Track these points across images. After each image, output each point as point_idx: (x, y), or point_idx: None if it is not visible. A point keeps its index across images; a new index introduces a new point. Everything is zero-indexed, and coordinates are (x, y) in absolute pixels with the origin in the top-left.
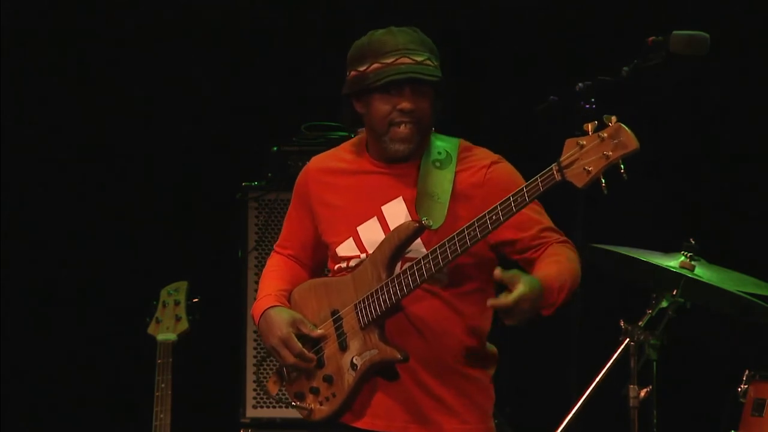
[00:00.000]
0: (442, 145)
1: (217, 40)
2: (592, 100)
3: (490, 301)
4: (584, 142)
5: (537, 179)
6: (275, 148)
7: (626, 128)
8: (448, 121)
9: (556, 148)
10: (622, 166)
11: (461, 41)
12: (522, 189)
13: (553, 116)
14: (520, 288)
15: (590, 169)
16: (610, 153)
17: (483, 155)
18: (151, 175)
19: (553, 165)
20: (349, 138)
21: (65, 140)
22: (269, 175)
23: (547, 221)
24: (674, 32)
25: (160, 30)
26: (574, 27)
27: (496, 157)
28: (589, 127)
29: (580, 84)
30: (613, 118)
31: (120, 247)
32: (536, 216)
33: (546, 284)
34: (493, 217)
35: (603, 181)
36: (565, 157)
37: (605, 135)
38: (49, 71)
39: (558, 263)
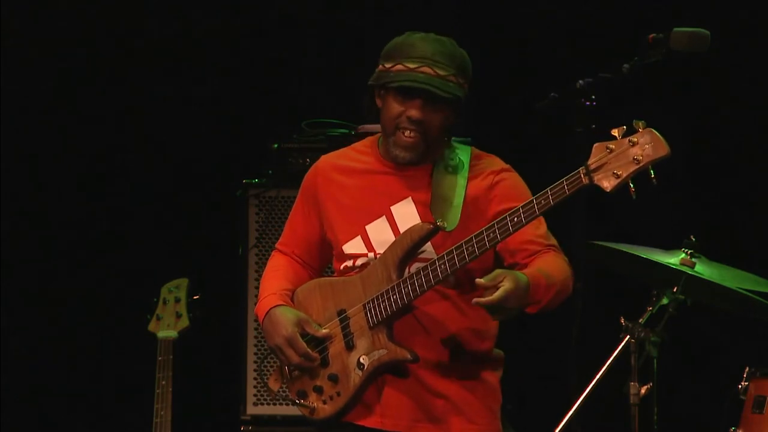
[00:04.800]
0: (456, 151)
1: (217, 37)
2: (593, 97)
3: (476, 300)
4: (613, 146)
5: (563, 182)
6: (276, 146)
7: (657, 133)
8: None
9: (558, 146)
10: (652, 171)
11: (460, 40)
12: (547, 191)
13: (553, 113)
14: (506, 284)
15: (620, 173)
16: (641, 158)
17: (493, 162)
18: (152, 172)
19: (581, 168)
20: (350, 135)
21: (65, 138)
22: (270, 172)
23: (545, 228)
24: (675, 29)
25: (160, 27)
26: (575, 24)
27: (505, 165)
28: (617, 132)
29: (580, 81)
30: (642, 123)
31: (121, 245)
32: (535, 221)
33: (534, 281)
34: (515, 219)
35: (632, 185)
36: (594, 160)
37: (635, 140)
38: (49, 70)
39: (548, 264)
